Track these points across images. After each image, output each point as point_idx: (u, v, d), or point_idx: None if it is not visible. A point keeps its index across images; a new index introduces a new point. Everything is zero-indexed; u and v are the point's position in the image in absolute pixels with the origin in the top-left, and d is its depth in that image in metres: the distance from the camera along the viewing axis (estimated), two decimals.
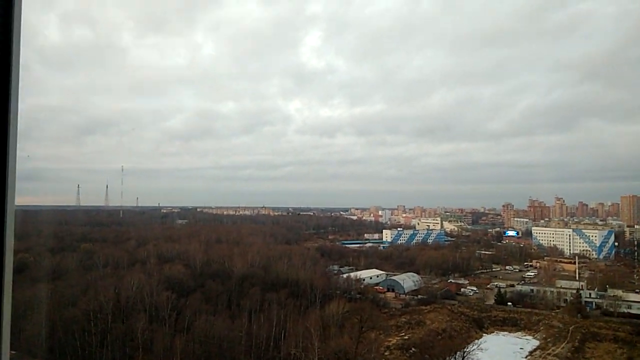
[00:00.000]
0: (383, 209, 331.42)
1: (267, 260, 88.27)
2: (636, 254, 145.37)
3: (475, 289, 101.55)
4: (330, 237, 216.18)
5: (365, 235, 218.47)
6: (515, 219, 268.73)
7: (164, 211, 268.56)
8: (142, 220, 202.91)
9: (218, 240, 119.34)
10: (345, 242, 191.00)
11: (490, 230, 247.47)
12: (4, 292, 1.99)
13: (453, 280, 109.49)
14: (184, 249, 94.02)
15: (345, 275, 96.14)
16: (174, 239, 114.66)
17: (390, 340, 61.16)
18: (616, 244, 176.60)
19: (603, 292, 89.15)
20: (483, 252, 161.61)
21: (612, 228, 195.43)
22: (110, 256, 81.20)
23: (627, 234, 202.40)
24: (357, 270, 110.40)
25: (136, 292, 57.03)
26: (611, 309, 79.16)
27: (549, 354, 58.94)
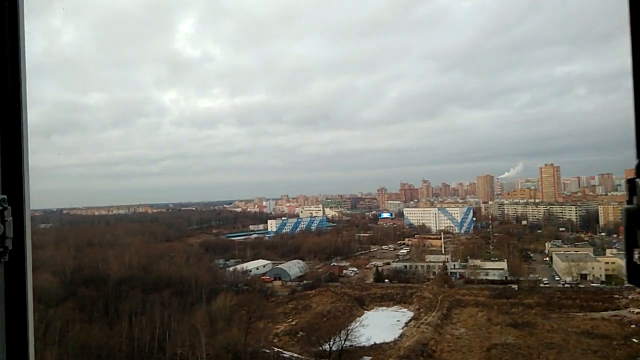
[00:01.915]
0: (267, 200, 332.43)
1: (147, 260, 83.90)
2: (490, 226, 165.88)
3: (356, 269, 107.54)
4: (214, 231, 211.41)
5: (251, 226, 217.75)
6: (389, 201, 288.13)
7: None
8: None
9: (90, 244, 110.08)
10: (230, 235, 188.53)
11: (368, 213, 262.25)
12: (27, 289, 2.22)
13: (336, 264, 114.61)
14: (50, 255, 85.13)
15: (231, 269, 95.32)
16: (37, 245, 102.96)
17: (279, 327, 62.44)
18: (474, 219, 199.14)
19: (465, 263, 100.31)
20: (362, 234, 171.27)
21: (470, 205, 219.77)
22: None
23: (483, 210, 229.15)
24: (243, 262, 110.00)
25: None
26: (472, 277, 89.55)
27: (422, 323, 64.91)
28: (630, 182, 1.54)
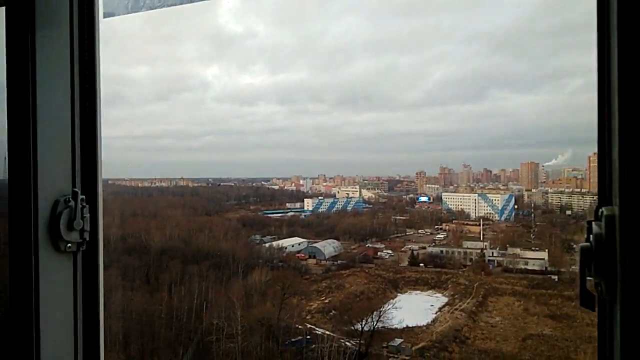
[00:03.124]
0: (304, 179, 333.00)
1: (187, 233, 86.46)
2: (533, 215, 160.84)
3: (391, 252, 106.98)
4: (251, 207, 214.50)
5: (287, 204, 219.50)
6: (427, 185, 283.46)
7: None
8: None
9: (133, 214, 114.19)
10: (267, 212, 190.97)
11: (405, 196, 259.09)
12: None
13: (371, 245, 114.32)
14: None
15: (267, 245, 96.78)
16: None
17: (312, 305, 63.31)
18: (516, 206, 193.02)
19: (504, 251, 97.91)
20: (398, 217, 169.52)
21: (512, 192, 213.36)
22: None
23: (526, 198, 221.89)
24: (279, 239, 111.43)
25: None
26: (511, 266, 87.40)
27: (456, 309, 64.33)
28: (589, 224, 1.82)
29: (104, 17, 2.75)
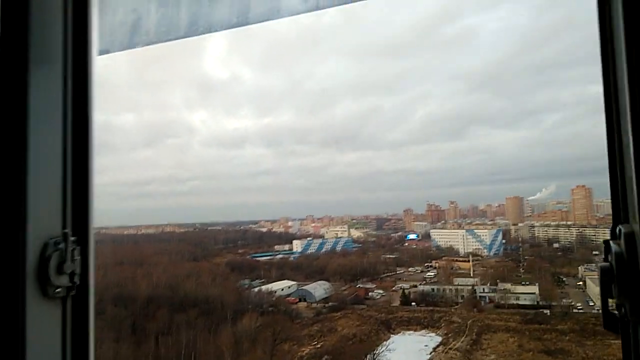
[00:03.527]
0: (292, 220, 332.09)
1: (174, 280, 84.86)
2: (521, 249, 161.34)
3: (382, 292, 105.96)
4: (240, 251, 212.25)
5: (276, 247, 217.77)
6: (415, 222, 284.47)
7: None
8: None
9: (118, 263, 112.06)
10: (256, 255, 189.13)
11: (394, 234, 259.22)
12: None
13: (361, 285, 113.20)
14: None
15: (256, 289, 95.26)
16: None
17: (304, 350, 61.79)
18: (504, 241, 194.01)
19: (494, 287, 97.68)
20: (388, 256, 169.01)
21: (500, 227, 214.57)
22: None
23: (513, 232, 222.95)
24: (268, 282, 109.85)
25: None
26: (502, 302, 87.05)
27: (450, 349, 63.32)
28: (606, 244, 1.80)
29: (99, 54, 2.68)
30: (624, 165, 1.74)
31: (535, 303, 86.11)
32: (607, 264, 1.75)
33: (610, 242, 1.75)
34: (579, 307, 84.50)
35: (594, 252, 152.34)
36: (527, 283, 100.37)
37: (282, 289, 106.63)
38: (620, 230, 1.69)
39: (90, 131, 2.52)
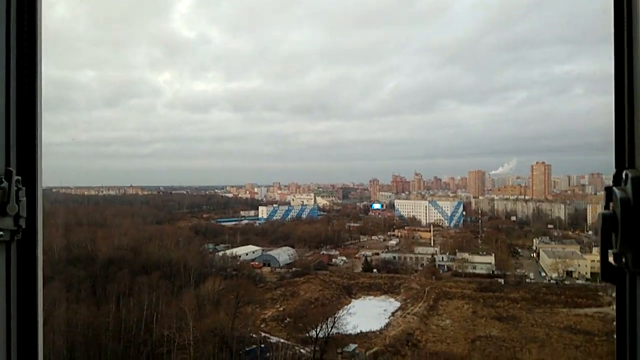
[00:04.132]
0: (259, 186, 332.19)
1: (136, 242, 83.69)
2: (480, 221, 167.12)
3: (345, 258, 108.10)
4: (205, 215, 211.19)
5: (242, 212, 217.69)
6: (381, 193, 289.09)
7: None
8: None
9: (78, 223, 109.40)
10: (221, 220, 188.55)
11: (359, 204, 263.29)
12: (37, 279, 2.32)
13: (325, 252, 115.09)
14: None
15: (221, 253, 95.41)
16: None
17: (267, 313, 62.80)
18: (464, 213, 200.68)
19: (453, 256, 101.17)
20: (352, 224, 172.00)
21: (461, 199, 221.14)
22: None
23: (473, 204, 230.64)
24: (233, 247, 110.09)
25: None
26: (460, 270, 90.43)
27: (408, 313, 65.62)
28: (608, 190, 1.73)
29: None
30: (633, 108, 1.69)
31: (491, 272, 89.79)
32: (609, 211, 1.67)
33: (614, 188, 1.67)
34: (531, 277, 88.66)
35: (549, 226, 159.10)
36: (484, 253, 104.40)
37: (247, 254, 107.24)
38: (627, 175, 1.63)
39: (38, 65, 2.30)
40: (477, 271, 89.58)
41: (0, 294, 2.12)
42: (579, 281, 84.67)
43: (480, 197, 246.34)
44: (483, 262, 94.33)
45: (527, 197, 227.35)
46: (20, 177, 2.12)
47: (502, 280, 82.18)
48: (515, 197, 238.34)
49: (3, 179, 2.03)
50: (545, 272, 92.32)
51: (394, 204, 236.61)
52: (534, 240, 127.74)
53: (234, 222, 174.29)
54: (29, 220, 2.18)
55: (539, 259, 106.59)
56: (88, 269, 64.65)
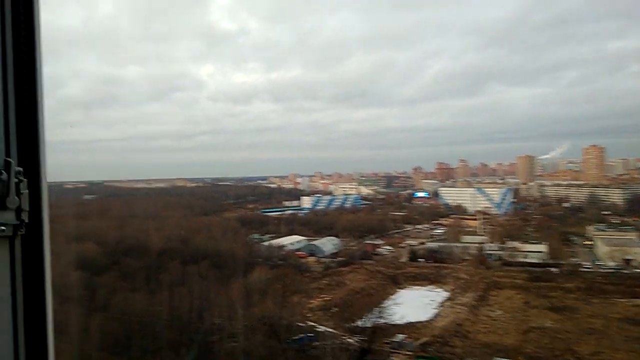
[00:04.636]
0: (301, 176, 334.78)
1: (186, 233, 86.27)
2: (530, 208, 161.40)
3: (390, 248, 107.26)
4: (250, 206, 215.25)
5: (285, 202, 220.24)
6: (425, 181, 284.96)
7: (69, 186, 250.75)
8: None
9: (131, 215, 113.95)
10: (265, 210, 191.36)
11: (403, 192, 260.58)
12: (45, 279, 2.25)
13: (370, 242, 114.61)
14: (95, 225, 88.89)
15: (266, 243, 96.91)
16: (82, 215, 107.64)
17: (313, 302, 63.25)
18: (513, 200, 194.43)
19: (502, 245, 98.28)
20: (396, 213, 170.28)
21: (510, 186, 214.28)
22: None
23: (523, 191, 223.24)
24: (278, 237, 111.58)
25: None
26: (510, 259, 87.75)
27: (456, 304, 64.37)
28: None
29: None
30: None
31: (543, 261, 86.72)
32: None
33: None
34: (586, 266, 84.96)
35: (605, 212, 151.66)
36: (536, 242, 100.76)
37: (292, 244, 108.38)
38: None
39: (37, 59, 2.16)
40: (529, 260, 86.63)
41: (5, 293, 2.00)
42: (639, 270, 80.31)
43: (530, 183, 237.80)
44: (535, 250, 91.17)
45: (580, 182, 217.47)
46: (21, 169, 1.99)
47: (555, 270, 79.08)
48: (568, 182, 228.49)
49: (2, 171, 1.91)
50: (601, 261, 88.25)
51: (438, 192, 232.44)
52: (589, 227, 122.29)
53: (278, 213, 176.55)
54: (34, 214, 2.06)
55: (594, 247, 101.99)
56: (142, 259, 67.20)
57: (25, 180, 1.99)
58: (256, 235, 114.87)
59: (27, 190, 1.99)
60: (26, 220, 2.00)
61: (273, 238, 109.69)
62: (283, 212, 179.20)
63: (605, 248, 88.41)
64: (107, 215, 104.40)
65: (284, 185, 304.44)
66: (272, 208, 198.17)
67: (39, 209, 2.10)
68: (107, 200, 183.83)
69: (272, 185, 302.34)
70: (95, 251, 69.49)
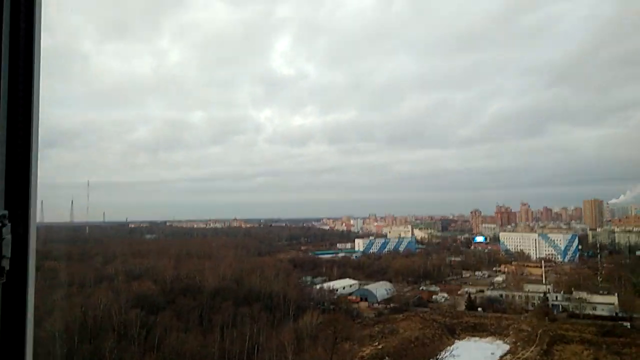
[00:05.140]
0: (355, 218, 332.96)
1: (240, 274, 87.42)
2: (599, 256, 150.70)
3: (446, 295, 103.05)
4: (302, 247, 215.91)
5: (338, 245, 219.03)
6: (483, 224, 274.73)
7: (132, 226, 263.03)
8: (109, 236, 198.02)
9: (188, 255, 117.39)
10: (318, 252, 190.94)
11: (460, 236, 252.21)
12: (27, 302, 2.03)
13: (425, 288, 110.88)
14: (153, 264, 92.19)
15: (318, 286, 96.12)
16: (142, 254, 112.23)
17: (365, 350, 61.34)
18: (580, 247, 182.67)
19: (569, 295, 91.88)
20: (453, 258, 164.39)
21: (575, 232, 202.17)
22: (75, 274, 78.74)
23: (590, 237, 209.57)
24: (330, 280, 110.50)
25: (103, 310, 55.38)
26: (577, 311, 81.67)
27: (518, 358, 60.29)
28: None
29: None
30: None
31: (614, 314, 79.78)
32: None
33: None
34: None
35: None
36: (605, 292, 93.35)
37: (344, 287, 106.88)
38: None
39: (34, 99, 2.12)
40: (598, 312, 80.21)
41: None
42: None
43: (599, 229, 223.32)
44: (604, 302, 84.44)
45: None
46: (6, 212, 1.90)
47: (628, 324, 72.59)
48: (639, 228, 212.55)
49: None
50: None
51: (498, 237, 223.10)
52: None
53: (330, 255, 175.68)
54: (18, 261, 1.92)
55: None
56: (196, 299, 68.55)
57: (9, 224, 1.89)
58: (308, 278, 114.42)
59: (9, 235, 1.88)
60: (7, 268, 1.87)
61: (325, 281, 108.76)
62: (336, 255, 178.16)
63: None
64: (165, 254, 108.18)
65: (337, 227, 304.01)
66: (325, 250, 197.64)
67: (24, 255, 1.97)
68: (167, 240, 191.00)
69: (326, 227, 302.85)
70: (152, 289, 71.80)
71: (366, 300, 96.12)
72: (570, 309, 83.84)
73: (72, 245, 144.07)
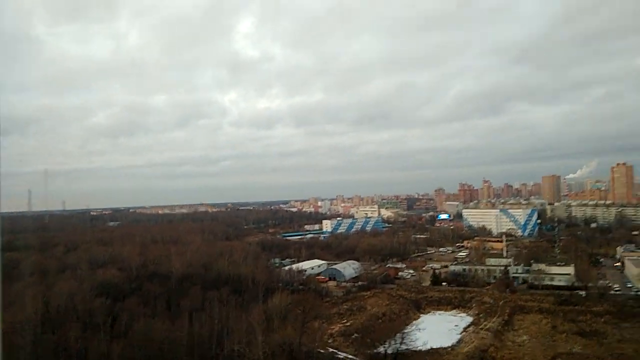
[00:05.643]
0: (322, 200, 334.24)
1: (207, 258, 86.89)
2: (556, 229, 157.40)
3: (412, 272, 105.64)
4: (271, 230, 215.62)
5: (306, 226, 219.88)
6: (447, 202, 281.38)
7: (94, 213, 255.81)
8: (70, 225, 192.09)
9: (154, 241, 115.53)
10: (286, 234, 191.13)
11: (425, 214, 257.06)
12: None
13: (391, 265, 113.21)
14: (118, 251, 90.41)
15: (287, 268, 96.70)
16: (106, 242, 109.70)
17: (333, 328, 62.46)
18: (539, 221, 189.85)
19: (528, 267, 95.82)
20: (418, 236, 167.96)
21: (535, 207, 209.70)
22: (36, 264, 76.47)
23: (549, 212, 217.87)
24: (298, 261, 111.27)
25: (67, 300, 54.17)
26: (536, 282, 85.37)
27: (481, 329, 62.61)
28: None
29: None
30: None
31: (571, 284, 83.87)
32: None
33: None
34: (616, 289, 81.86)
35: (634, 232, 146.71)
36: (563, 264, 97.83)
37: (312, 268, 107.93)
38: None
39: None
40: (556, 283, 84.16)
41: None
42: None
43: (556, 204, 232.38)
44: (562, 273, 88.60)
45: (608, 202, 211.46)
46: None
47: (583, 293, 76.59)
48: (595, 202, 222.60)
49: None
50: (632, 283, 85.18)
51: (461, 214, 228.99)
52: (618, 248, 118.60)
53: (299, 237, 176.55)
54: None
55: (623, 269, 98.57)
56: (163, 285, 67.83)
57: None
58: (277, 260, 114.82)
59: None
60: None
61: (294, 262, 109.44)
62: (304, 236, 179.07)
63: (636, 270, 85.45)
64: (130, 241, 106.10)
65: (305, 209, 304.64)
66: (293, 232, 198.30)
67: None
68: (131, 226, 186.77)
69: (294, 209, 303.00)
70: (117, 277, 70.52)
71: (335, 279, 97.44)
72: (530, 281, 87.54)
73: (31, 235, 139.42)
